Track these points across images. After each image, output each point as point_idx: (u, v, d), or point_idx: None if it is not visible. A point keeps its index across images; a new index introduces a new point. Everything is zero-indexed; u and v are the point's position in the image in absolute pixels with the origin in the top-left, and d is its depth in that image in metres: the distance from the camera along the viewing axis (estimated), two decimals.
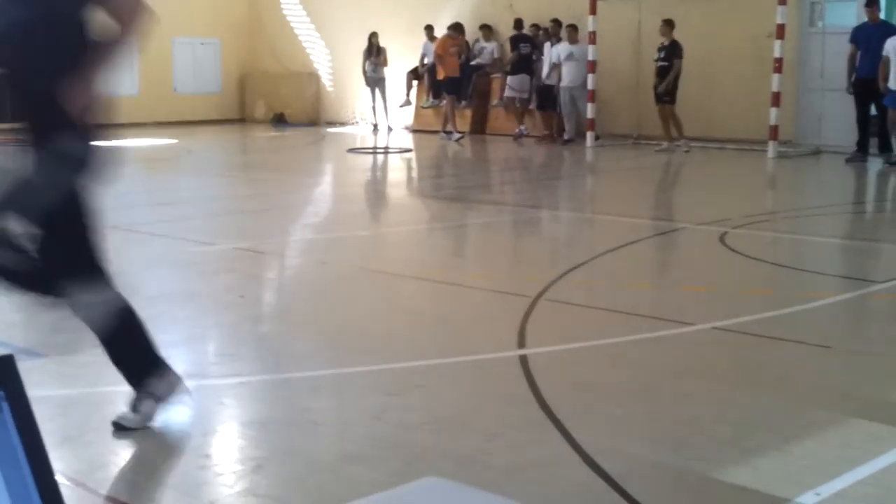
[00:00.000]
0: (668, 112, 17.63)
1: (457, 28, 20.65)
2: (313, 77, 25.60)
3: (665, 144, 17.57)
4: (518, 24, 20.11)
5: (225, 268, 8.28)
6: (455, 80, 20.26)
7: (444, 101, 20.36)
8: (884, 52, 14.68)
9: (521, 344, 5.87)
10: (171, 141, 20.44)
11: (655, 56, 17.82)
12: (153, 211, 11.56)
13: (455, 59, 20.28)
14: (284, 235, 10.11)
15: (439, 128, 20.87)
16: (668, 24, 17.59)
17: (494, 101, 20.82)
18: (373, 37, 22.31)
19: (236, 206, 12.20)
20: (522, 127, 19.55)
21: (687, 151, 17.23)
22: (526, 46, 19.50)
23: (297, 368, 5.55)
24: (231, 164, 18.33)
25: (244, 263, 8.53)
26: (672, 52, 17.54)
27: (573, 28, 18.54)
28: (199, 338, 6.25)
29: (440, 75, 20.29)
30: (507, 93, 19.78)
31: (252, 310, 6.95)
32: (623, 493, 3.85)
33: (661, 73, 17.62)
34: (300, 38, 25.84)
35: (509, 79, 19.67)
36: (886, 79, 14.59)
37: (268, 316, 6.95)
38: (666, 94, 17.52)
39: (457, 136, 19.50)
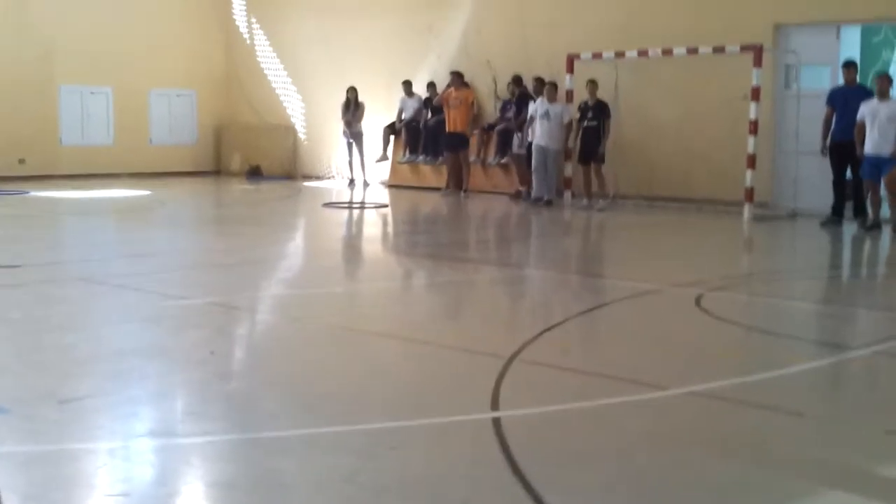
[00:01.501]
0: (598, 170, 18.08)
1: (458, 77, 20.59)
2: (290, 130, 25.61)
3: (601, 202, 17.90)
4: (518, 81, 20.01)
5: (195, 323, 8.18)
6: (454, 135, 20.25)
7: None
8: (859, 116, 14.71)
9: (495, 406, 5.79)
10: (145, 192, 20.37)
11: (577, 115, 18.08)
12: (125, 263, 11.46)
13: (454, 111, 20.15)
14: (257, 291, 10.02)
15: (416, 183, 20.93)
16: (594, 84, 17.89)
17: (471, 158, 20.79)
18: (350, 91, 22.36)
19: (209, 259, 12.10)
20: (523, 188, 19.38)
21: (601, 210, 17.51)
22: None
23: (267, 428, 5.45)
24: (205, 217, 18.25)
25: (215, 319, 8.42)
26: (602, 112, 17.80)
27: (553, 86, 18.56)
28: (167, 394, 6.14)
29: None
30: (516, 150, 19.51)
31: (222, 366, 6.84)
32: None
33: (591, 132, 17.83)
34: (277, 90, 25.87)
35: (517, 137, 19.40)
36: (863, 143, 14.64)
37: (237, 373, 6.84)
38: (600, 154, 17.97)
39: (452, 192, 19.91)
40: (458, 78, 20.40)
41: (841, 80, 15.89)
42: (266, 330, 8.43)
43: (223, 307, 8.87)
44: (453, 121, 20.08)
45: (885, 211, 15.21)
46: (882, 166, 14.51)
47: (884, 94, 14.67)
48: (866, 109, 14.65)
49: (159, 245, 13.52)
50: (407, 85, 21.96)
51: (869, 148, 14.54)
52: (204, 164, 26.35)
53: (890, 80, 14.94)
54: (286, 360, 7.12)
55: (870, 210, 14.93)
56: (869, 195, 14.90)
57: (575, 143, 18.40)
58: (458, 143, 20.15)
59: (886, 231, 14.70)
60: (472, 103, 20.40)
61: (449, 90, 20.33)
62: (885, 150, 14.41)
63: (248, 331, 8.34)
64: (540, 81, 18.99)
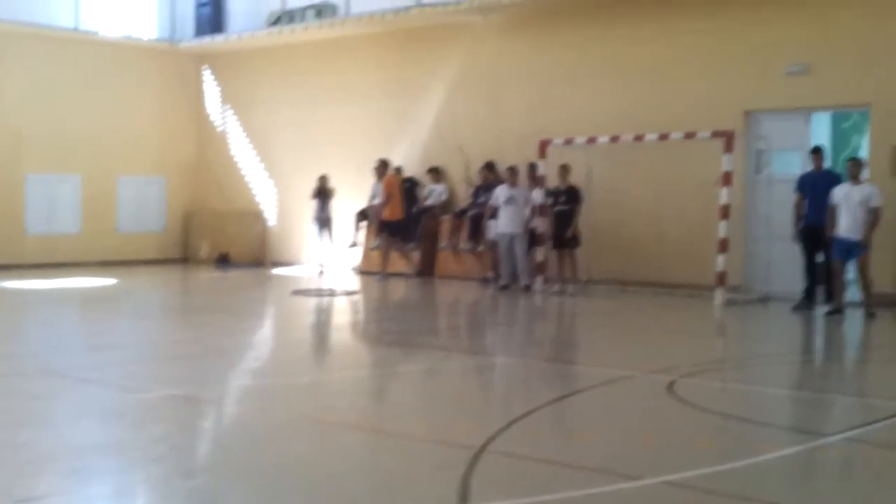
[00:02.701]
0: (571, 255, 18.15)
1: (381, 164, 21.29)
2: (259, 216, 25.54)
3: (572, 287, 17.99)
4: (490, 167, 20.05)
5: (158, 416, 7.99)
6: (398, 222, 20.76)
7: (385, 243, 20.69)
8: (831, 200, 14.76)
9: (464, 499, 5.64)
10: (112, 281, 20.20)
11: (550, 201, 18.07)
12: (88, 355, 11.28)
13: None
14: (222, 382, 9.84)
15: (387, 269, 20.88)
16: (566, 169, 17.94)
17: (443, 244, 20.79)
18: (320, 180, 22.33)
19: (175, 350, 11.93)
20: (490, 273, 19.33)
21: (573, 295, 17.59)
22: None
23: None
24: (172, 307, 18.07)
25: (178, 412, 8.25)
26: (575, 197, 17.82)
27: (512, 170, 18.64)
28: (127, 493, 5.96)
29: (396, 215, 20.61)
30: (491, 235, 19.37)
31: (183, 462, 6.66)
32: None
33: (563, 217, 17.83)
34: (247, 177, 25.84)
35: (492, 223, 19.21)
36: (833, 226, 14.68)
37: (200, 468, 6.65)
38: (573, 239, 17.97)
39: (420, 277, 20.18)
40: (381, 166, 21.02)
41: (810, 167, 15.99)
42: (230, 423, 8.25)
43: (187, 400, 8.70)
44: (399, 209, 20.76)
45: (855, 294, 15.24)
46: (852, 250, 14.55)
47: (855, 178, 14.75)
48: (840, 193, 14.76)
49: (124, 336, 13.34)
50: (377, 171, 21.97)
51: (841, 231, 14.62)
52: (172, 251, 26.21)
53: (861, 165, 15.03)
54: (251, 453, 6.94)
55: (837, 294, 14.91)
56: (834, 278, 14.89)
57: (547, 228, 18.33)
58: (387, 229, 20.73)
59: (857, 315, 14.69)
60: (388, 192, 20.68)
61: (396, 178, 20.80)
62: (856, 235, 14.47)
63: (212, 424, 8.16)
64: (511, 171, 18.99)
